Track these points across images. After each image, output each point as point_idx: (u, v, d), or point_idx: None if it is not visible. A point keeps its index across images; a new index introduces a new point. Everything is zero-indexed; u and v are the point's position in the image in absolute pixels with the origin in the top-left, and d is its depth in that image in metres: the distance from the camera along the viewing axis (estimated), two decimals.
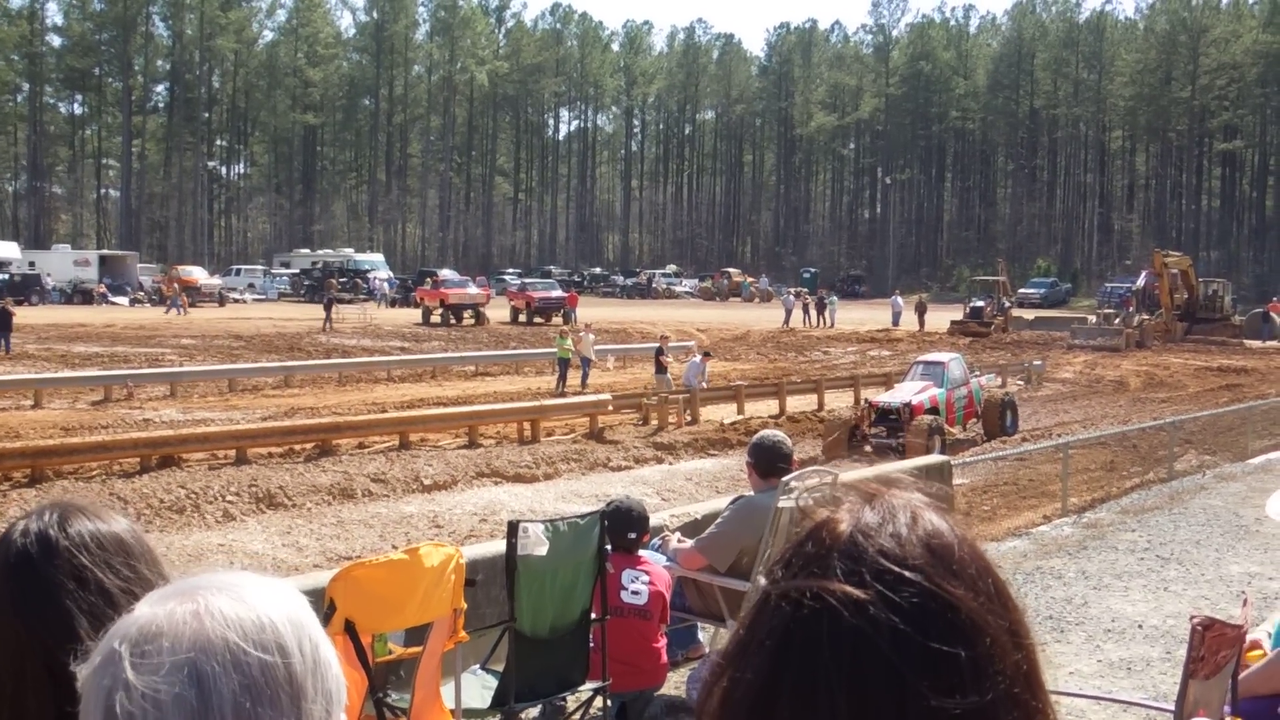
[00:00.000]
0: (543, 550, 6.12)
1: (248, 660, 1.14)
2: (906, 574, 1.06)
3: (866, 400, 27.39)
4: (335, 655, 1.24)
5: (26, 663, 1.67)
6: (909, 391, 26.30)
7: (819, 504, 1.16)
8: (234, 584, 1.21)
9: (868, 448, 25.42)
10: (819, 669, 1.04)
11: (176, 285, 72.63)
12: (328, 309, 57.27)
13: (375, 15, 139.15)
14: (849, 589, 1.05)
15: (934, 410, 25.68)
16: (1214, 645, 4.19)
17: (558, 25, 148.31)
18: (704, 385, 31.01)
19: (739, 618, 1.12)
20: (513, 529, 6.09)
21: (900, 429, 24.93)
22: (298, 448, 23.23)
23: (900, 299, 70.50)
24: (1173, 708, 4.35)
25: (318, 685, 1.19)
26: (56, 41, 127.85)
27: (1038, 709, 1.09)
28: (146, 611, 1.18)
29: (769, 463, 7.86)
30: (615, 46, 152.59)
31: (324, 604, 5.13)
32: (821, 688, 1.03)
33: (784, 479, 7.68)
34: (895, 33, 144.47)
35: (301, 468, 21.66)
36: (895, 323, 65.67)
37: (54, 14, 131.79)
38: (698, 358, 32.62)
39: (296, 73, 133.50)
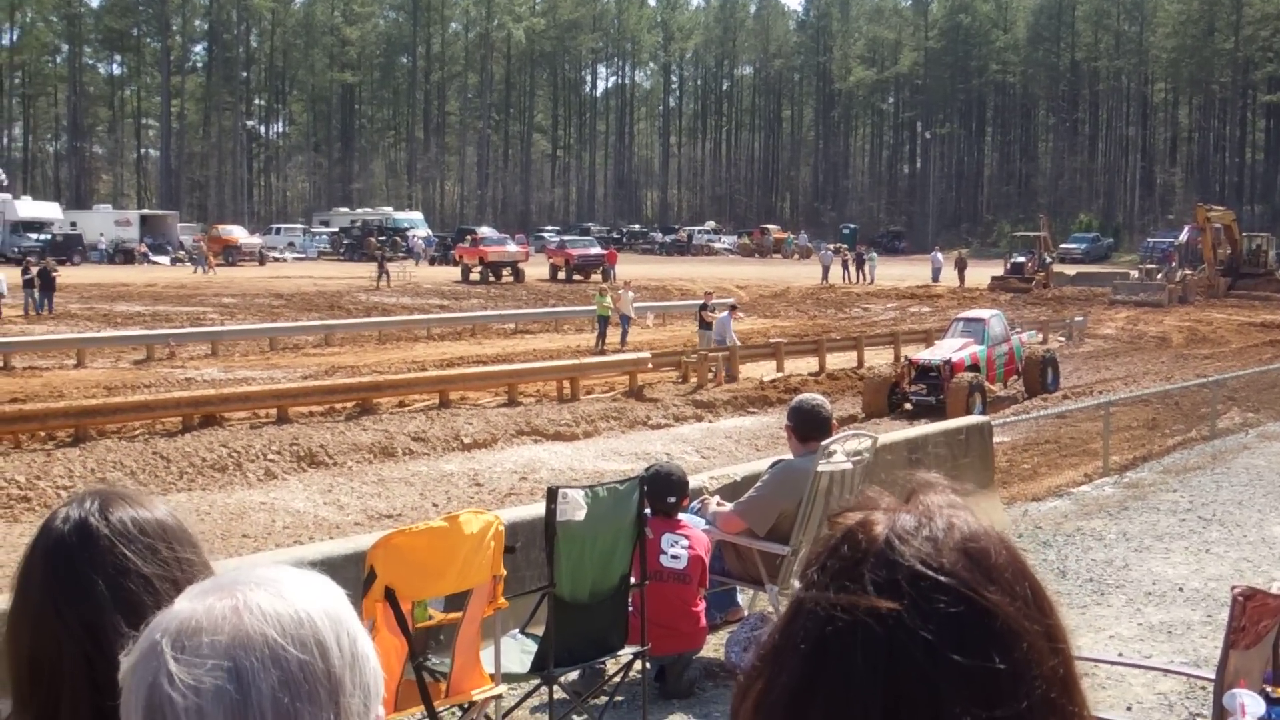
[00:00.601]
0: (581, 515, 6.14)
1: (286, 656, 1.15)
2: (942, 579, 1.05)
3: (907, 357, 27.25)
4: (373, 649, 1.25)
5: (64, 652, 1.68)
6: (949, 349, 26.13)
7: (854, 507, 1.15)
8: (273, 579, 1.22)
9: (908, 405, 25.36)
10: (853, 675, 1.03)
11: (203, 244, 73.30)
12: (381, 265, 57.92)
13: None
14: (880, 603, 1.04)
15: (974, 368, 25.53)
16: (1255, 615, 4.16)
17: None
18: (734, 341, 30.90)
19: (775, 621, 1.10)
20: (552, 495, 6.11)
21: (940, 387, 24.77)
22: (338, 406, 23.43)
23: (940, 255, 70.02)
24: (1213, 676, 4.33)
25: (355, 679, 1.20)
26: (95, 2, 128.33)
27: (1074, 713, 1.08)
28: (186, 607, 1.19)
29: (809, 427, 7.83)
30: (652, 2, 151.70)
31: (364, 571, 5.18)
32: (855, 693, 1.02)
33: (824, 443, 7.66)
34: None
35: (342, 426, 21.81)
36: (935, 279, 65.34)
37: None
38: (726, 313, 32.53)
39: (334, 31, 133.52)
